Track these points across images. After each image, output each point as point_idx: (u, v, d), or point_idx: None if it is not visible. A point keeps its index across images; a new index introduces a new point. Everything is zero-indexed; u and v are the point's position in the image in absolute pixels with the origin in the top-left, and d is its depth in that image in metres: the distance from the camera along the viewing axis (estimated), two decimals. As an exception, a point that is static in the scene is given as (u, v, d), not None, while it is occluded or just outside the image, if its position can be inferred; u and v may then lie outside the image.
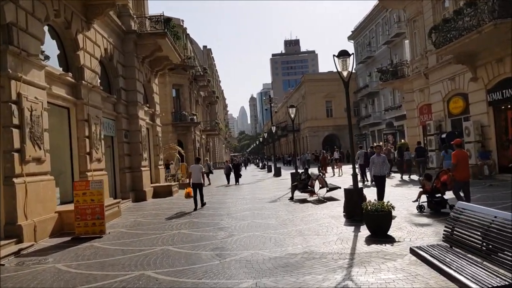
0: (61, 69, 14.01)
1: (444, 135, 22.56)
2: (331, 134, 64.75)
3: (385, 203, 8.85)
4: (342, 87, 48.20)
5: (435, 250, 5.57)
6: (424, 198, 11.80)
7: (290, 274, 6.36)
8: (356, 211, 10.79)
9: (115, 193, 19.17)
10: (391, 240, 8.24)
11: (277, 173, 34.71)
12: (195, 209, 15.37)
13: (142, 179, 20.40)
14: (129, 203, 18.90)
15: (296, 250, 7.98)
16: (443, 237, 5.92)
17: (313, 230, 9.91)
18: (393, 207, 8.85)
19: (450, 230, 5.79)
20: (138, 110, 20.81)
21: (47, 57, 13.49)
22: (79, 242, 10.21)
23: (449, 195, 11.67)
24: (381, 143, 52.35)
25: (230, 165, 32.61)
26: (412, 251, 5.89)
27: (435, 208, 11.33)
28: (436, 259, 5.21)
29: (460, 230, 5.57)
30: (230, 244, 8.99)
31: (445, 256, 5.27)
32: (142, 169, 20.65)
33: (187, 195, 16.34)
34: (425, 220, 10.35)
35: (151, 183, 23.34)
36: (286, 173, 35.57)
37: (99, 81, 16.47)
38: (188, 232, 10.71)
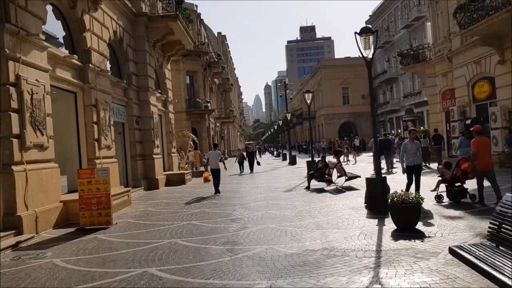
0: (67, 51, 13.38)
1: (468, 121, 21.45)
2: (347, 122, 63.54)
3: (414, 194, 8.03)
4: (359, 73, 47.49)
5: (480, 251, 4.76)
6: (442, 187, 11.08)
7: (309, 275, 5.62)
8: (379, 202, 10.02)
9: (127, 181, 18.66)
10: (420, 236, 7.43)
11: (292, 161, 33.95)
12: (215, 194, 15.91)
13: (154, 167, 19.85)
14: (141, 191, 18.39)
15: (315, 245, 7.24)
16: (487, 235, 5.11)
17: (332, 223, 9.15)
18: (422, 199, 8.02)
19: (496, 227, 4.97)
20: (150, 96, 20.17)
21: (52, 38, 12.90)
22: (83, 233, 9.63)
23: (469, 184, 10.85)
24: (399, 130, 51.15)
25: (244, 153, 31.68)
26: (451, 251, 5.09)
27: (454, 198, 10.64)
28: (484, 262, 4.40)
29: (509, 227, 4.75)
30: (242, 237, 8.30)
31: (493, 259, 4.45)
32: (154, 156, 20.08)
33: (205, 180, 17.61)
34: (454, 212, 9.49)
35: (164, 171, 22.83)
36: (302, 161, 34.80)
37: (108, 65, 15.82)
38: (198, 224, 10.05)
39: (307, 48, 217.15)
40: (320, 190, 15.30)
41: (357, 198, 12.42)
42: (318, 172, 16.10)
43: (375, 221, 9.11)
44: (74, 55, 13.30)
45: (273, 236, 8.23)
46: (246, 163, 28.94)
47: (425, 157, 22.42)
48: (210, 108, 42.56)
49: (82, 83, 13.90)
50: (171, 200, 15.14)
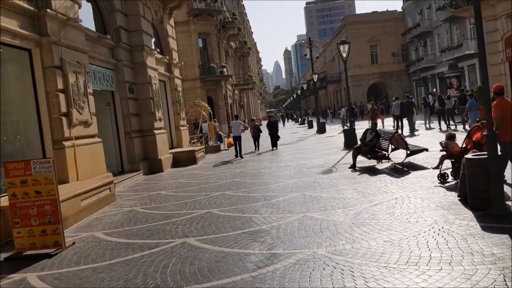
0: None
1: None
2: (377, 83, 58.34)
3: None
4: (387, 29, 42.84)
5: None
6: (447, 163, 8.92)
7: None
8: (495, 199, 5.99)
9: (122, 165, 15.00)
10: None
11: (321, 130, 29.74)
12: (236, 156, 18.36)
13: (156, 144, 16.05)
14: (140, 176, 14.71)
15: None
16: None
17: (425, 243, 5.17)
18: None
19: None
20: (146, 56, 16.17)
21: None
22: (12, 269, 5.91)
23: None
24: (434, 90, 45.99)
25: (258, 124, 23.70)
26: None
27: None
28: None
29: None
30: (269, 282, 4.42)
31: None
32: (156, 132, 16.24)
33: (229, 145, 21.58)
34: None
35: (172, 148, 19.08)
36: (330, 128, 30.64)
37: (79, 13, 11.77)
38: (197, 246, 6.17)
39: (327, 9, 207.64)
40: (372, 171, 11.26)
41: (433, 185, 8.41)
42: (368, 145, 11.99)
43: (506, 237, 5.07)
44: (18, -6, 9.33)
45: (327, 281, 4.33)
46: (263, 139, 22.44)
47: (449, 119, 21.88)
48: (226, 74, 38.30)
49: (39, 36, 10.00)
50: (171, 191, 11.36)
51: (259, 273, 4.86)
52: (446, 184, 8.49)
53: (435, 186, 8.52)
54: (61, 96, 10.39)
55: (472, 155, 6.73)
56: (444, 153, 9.06)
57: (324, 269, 4.79)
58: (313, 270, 4.79)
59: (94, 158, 11.52)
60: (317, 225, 6.54)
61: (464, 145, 8.49)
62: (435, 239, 5.36)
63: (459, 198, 7.11)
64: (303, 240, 5.90)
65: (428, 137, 18.22)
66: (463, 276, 4.22)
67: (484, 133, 6.62)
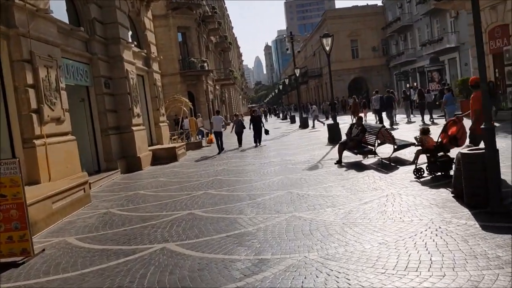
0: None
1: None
2: (358, 78, 58.34)
3: None
4: (368, 23, 43.42)
5: None
6: (423, 158, 8.82)
7: None
8: (492, 194, 5.70)
9: (98, 164, 14.37)
10: None
11: (304, 125, 29.43)
12: (219, 153, 18.32)
13: (134, 141, 15.44)
14: (117, 175, 14.10)
15: None
16: None
17: (423, 246, 4.82)
18: None
19: None
20: (123, 50, 15.52)
21: None
22: (-29, 281, 5.36)
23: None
24: (414, 84, 46.12)
25: (241, 119, 21.94)
26: None
27: (439, 170, 8.43)
28: None
29: None
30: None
31: None
32: (134, 128, 15.62)
33: (210, 141, 22.01)
34: None
35: (152, 145, 18.49)
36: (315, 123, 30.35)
37: (50, 3, 11.08)
38: (178, 251, 5.70)
39: (307, 4, 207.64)
40: (359, 166, 10.94)
41: (426, 181, 8.09)
42: (354, 140, 11.65)
43: (509, 237, 4.75)
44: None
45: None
46: (246, 134, 21.40)
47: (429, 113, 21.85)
48: (207, 69, 37.62)
49: (6, 28, 9.36)
50: (151, 191, 10.83)
51: (246, 282, 4.43)
52: (422, 179, 8.40)
53: (411, 181, 8.33)
54: (31, 92, 9.78)
55: (468, 150, 6.40)
56: (420, 148, 8.98)
57: (317, 276, 4.39)
58: (305, 278, 4.38)
59: (68, 157, 10.91)
60: (306, 226, 6.14)
61: (439, 140, 8.42)
62: (433, 241, 5.00)
63: (453, 195, 6.80)
64: (292, 243, 5.49)
65: (409, 131, 18.02)
66: (470, 283, 3.87)
67: (479, 126, 6.33)
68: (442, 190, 7.30)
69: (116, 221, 7.89)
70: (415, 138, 9.52)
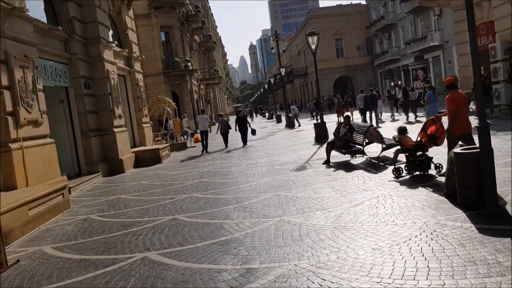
0: None
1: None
2: (342, 76, 58.44)
3: None
4: (352, 22, 43.80)
5: None
6: (401, 157, 9.00)
7: None
8: (488, 195, 5.51)
9: (79, 167, 13.91)
10: None
11: (290, 124, 29.22)
12: (203, 152, 18.53)
13: (116, 143, 14.97)
14: (99, 178, 13.66)
15: None
16: None
17: (419, 251, 4.58)
18: None
19: None
20: (103, 49, 15.05)
21: None
22: None
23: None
24: (399, 82, 46.31)
25: (226, 119, 21.75)
26: None
27: (418, 170, 8.41)
28: None
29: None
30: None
31: None
32: (116, 130, 15.17)
33: (196, 140, 22.35)
34: None
35: (134, 147, 18.05)
36: (300, 122, 30.20)
37: (25, 2, 10.62)
38: (160, 261, 5.36)
39: (291, 3, 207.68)
40: (348, 166, 10.72)
41: (404, 180, 7.91)
42: (342, 139, 11.43)
43: (507, 241, 4.53)
44: None
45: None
46: (232, 135, 21.17)
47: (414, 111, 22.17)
48: (191, 68, 37.15)
49: (-22, 27, 8.90)
50: (133, 195, 10.43)
51: (233, 296, 4.13)
52: (401, 179, 8.34)
53: (410, 178, 8.15)
54: (6, 94, 9.35)
55: (462, 149, 6.19)
56: (398, 147, 8.94)
57: (309, 287, 4.11)
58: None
59: (46, 160, 10.46)
60: (296, 231, 5.87)
61: (418, 139, 8.33)
62: (429, 245, 4.77)
63: (445, 196, 6.59)
64: (281, 250, 5.21)
65: (394, 129, 17.88)
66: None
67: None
68: (433, 191, 7.08)
69: (96, 228, 7.50)
70: (393, 137, 9.44)
